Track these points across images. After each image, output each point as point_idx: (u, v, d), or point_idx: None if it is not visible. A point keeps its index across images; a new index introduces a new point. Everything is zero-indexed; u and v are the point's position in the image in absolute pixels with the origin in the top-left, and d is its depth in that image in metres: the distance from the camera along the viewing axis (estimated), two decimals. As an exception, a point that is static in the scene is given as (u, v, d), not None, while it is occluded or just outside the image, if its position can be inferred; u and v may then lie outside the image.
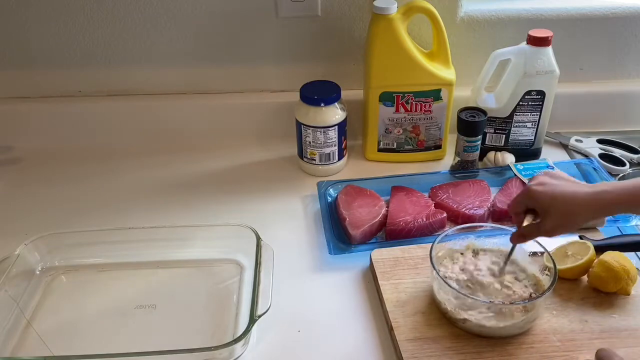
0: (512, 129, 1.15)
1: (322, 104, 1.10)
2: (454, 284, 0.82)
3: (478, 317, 0.78)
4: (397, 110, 1.14)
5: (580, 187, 0.78)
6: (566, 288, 0.87)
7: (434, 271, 0.81)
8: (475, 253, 0.89)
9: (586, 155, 1.19)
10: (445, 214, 1.00)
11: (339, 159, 1.16)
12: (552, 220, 0.77)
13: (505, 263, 0.85)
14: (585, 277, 0.87)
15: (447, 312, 0.81)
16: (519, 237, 0.82)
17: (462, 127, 1.09)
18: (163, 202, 1.10)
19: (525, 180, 1.07)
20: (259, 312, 0.81)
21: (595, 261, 0.86)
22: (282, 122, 1.22)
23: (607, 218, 0.98)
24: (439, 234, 0.88)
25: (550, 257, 0.83)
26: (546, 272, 0.83)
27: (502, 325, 0.78)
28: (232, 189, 1.13)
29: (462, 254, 0.89)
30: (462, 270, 0.86)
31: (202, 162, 1.21)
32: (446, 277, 0.84)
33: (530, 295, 0.81)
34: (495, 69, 1.11)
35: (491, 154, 1.15)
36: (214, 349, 0.76)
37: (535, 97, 1.11)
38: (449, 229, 0.89)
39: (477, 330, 0.79)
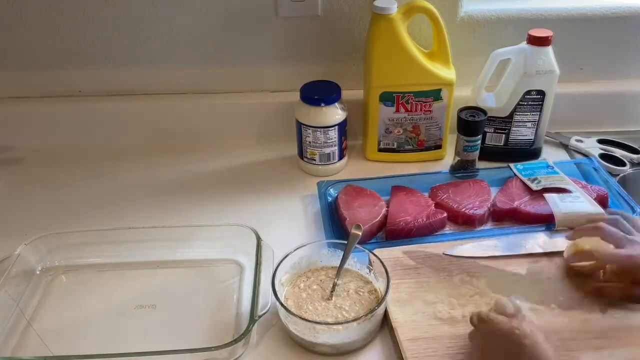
0: (512, 128, 1.15)
1: (323, 104, 1.10)
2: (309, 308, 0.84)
3: (325, 338, 0.79)
4: (397, 110, 1.14)
5: None
6: (567, 288, 0.87)
7: (277, 300, 0.81)
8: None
9: (586, 156, 1.19)
10: (445, 214, 1.00)
11: (339, 159, 1.16)
12: None
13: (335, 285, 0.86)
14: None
15: (297, 338, 0.81)
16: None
17: (462, 126, 1.09)
18: (163, 202, 1.10)
19: (525, 179, 1.07)
20: (259, 312, 0.81)
21: None
22: (283, 122, 1.22)
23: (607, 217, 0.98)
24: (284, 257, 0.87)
25: (385, 269, 0.84)
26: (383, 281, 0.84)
27: (348, 340, 0.79)
28: (232, 189, 1.13)
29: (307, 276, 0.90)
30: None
31: (202, 162, 1.21)
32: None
33: (372, 309, 0.80)
34: (496, 68, 1.11)
35: None
36: (214, 349, 0.76)
37: (535, 96, 1.11)
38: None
39: (330, 350, 0.80)
